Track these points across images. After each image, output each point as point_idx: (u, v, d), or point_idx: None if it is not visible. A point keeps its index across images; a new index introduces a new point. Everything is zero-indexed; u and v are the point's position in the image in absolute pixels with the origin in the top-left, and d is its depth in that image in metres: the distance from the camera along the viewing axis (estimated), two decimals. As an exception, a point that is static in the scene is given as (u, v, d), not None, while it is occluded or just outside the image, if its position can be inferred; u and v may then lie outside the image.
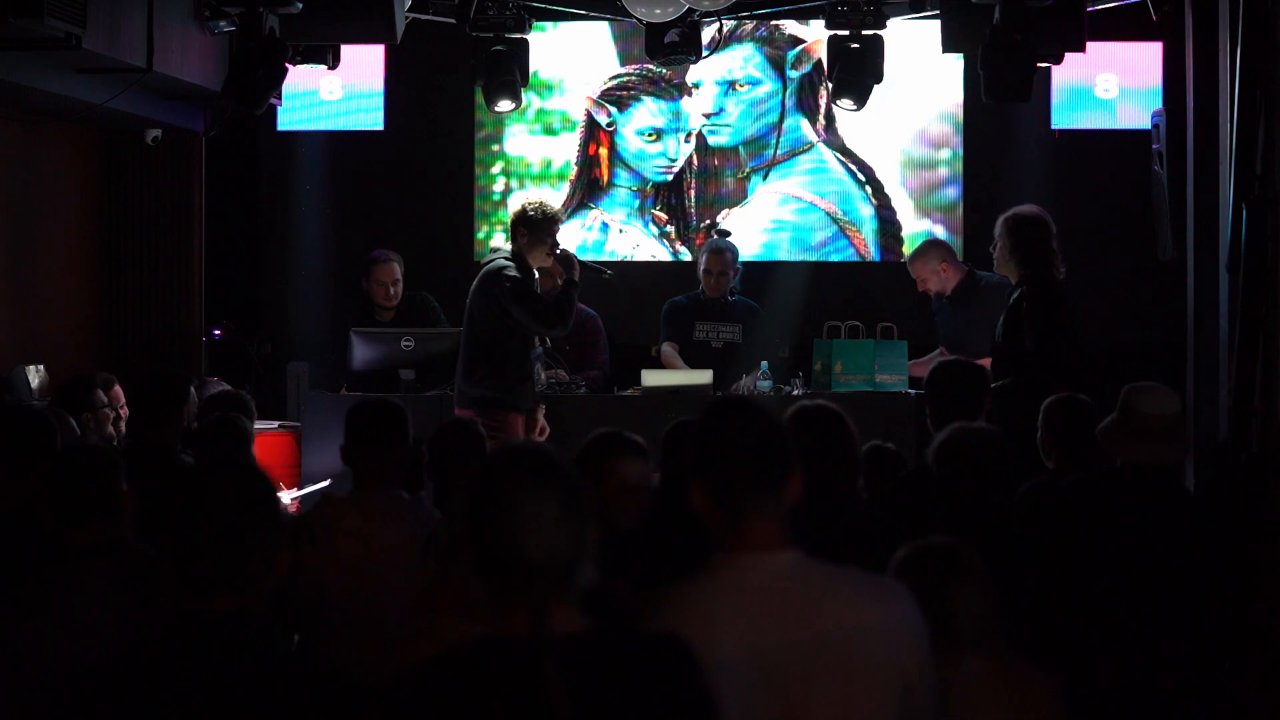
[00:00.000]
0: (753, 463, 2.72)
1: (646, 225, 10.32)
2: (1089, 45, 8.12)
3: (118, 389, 6.85)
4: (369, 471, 4.67)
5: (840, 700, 2.64)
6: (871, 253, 10.22)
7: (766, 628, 2.63)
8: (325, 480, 7.17)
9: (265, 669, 2.52)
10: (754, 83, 10.22)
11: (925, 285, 8.53)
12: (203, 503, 2.57)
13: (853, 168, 10.22)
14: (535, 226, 7.70)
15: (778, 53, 10.19)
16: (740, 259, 8.99)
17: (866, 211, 10.22)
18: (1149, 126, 8.69)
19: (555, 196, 10.32)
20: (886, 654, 2.67)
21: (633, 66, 10.25)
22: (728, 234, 9.30)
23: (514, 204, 8.46)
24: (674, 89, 10.27)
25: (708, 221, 10.21)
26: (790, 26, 10.14)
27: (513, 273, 7.63)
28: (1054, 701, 3.35)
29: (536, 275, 7.78)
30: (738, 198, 10.27)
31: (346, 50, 9.15)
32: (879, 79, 8.80)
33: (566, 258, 7.90)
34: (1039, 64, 8.04)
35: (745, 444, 2.73)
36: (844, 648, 2.64)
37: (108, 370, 7.51)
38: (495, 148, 10.44)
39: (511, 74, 9.08)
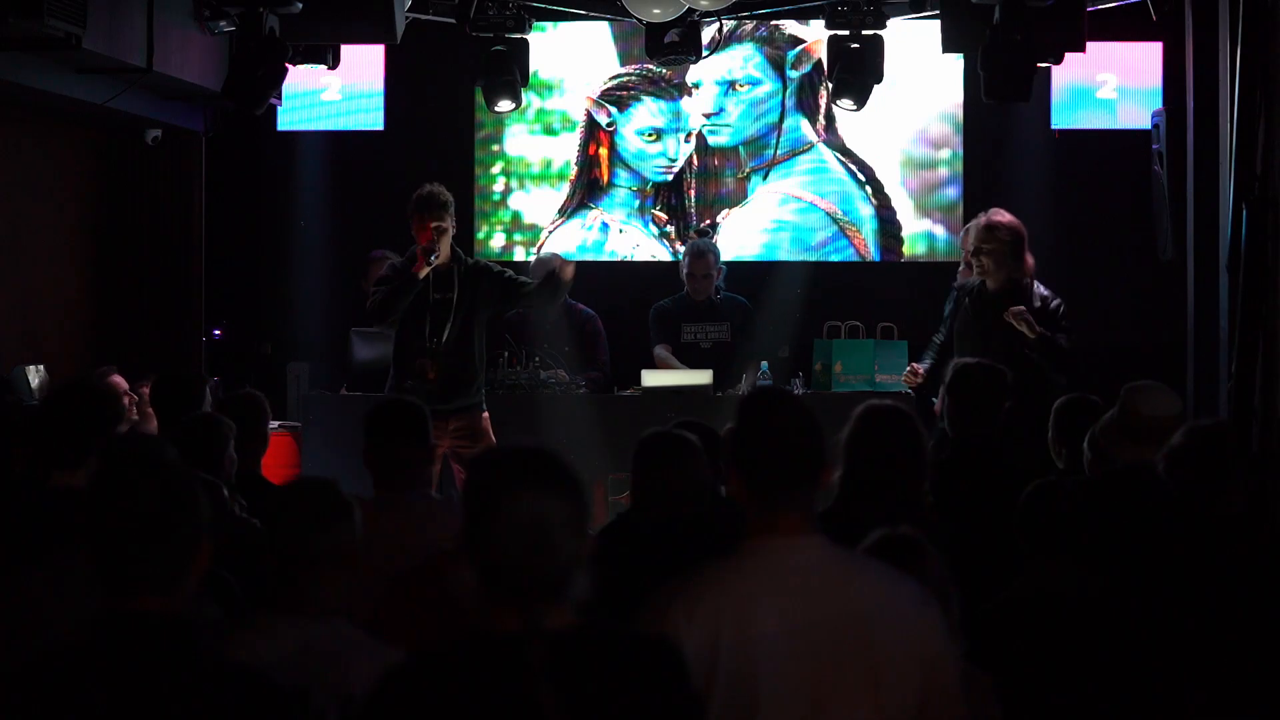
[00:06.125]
0: (787, 455, 2.83)
1: (646, 225, 10.31)
2: (1089, 45, 8.11)
3: (116, 378, 6.82)
4: (392, 473, 4.49)
5: (869, 672, 2.76)
6: (871, 253, 10.21)
7: (803, 605, 2.75)
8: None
9: (190, 669, 2.49)
10: (754, 83, 10.21)
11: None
12: (117, 501, 2.54)
13: (853, 168, 10.21)
14: (410, 210, 7.54)
15: (778, 53, 10.19)
16: (722, 260, 8.95)
17: (866, 211, 10.22)
18: (1149, 126, 8.70)
19: (555, 196, 10.34)
20: (910, 630, 2.79)
21: (633, 66, 10.25)
22: (708, 233, 9.15)
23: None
24: (674, 89, 10.26)
25: (707, 221, 10.19)
26: (790, 26, 10.13)
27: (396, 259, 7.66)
28: (989, 699, 3.37)
29: (435, 259, 7.42)
30: (738, 198, 10.26)
31: (346, 50, 9.16)
32: (879, 79, 8.80)
33: (426, 251, 7.45)
34: (1039, 64, 8.04)
35: (780, 437, 2.84)
36: (872, 623, 2.77)
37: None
38: (495, 148, 10.43)
39: (511, 74, 9.08)
